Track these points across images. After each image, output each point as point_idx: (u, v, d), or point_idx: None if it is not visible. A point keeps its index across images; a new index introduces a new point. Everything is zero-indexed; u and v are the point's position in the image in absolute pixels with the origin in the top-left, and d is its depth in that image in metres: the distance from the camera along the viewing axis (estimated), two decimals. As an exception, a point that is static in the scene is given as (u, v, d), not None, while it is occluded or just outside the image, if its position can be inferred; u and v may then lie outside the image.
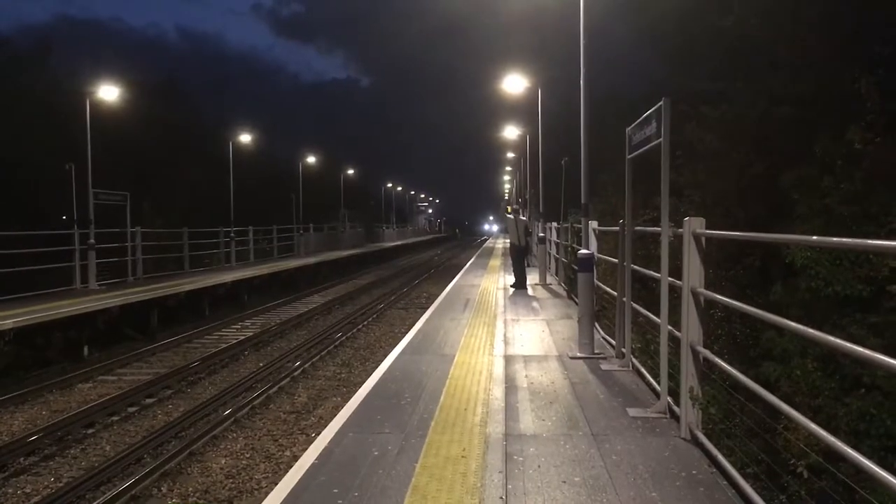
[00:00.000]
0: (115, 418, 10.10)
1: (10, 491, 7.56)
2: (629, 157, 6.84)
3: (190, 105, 47.92)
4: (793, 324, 3.55)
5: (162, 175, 35.73)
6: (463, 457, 4.83)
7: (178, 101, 44.10)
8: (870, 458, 2.95)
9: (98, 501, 6.96)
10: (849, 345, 2.94)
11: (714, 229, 5.05)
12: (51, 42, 38.20)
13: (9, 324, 11.73)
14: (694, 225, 4.92)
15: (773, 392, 4.17)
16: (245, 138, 34.74)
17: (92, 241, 17.96)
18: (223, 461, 8.40)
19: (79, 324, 13.71)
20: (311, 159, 49.16)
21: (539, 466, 4.63)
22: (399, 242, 61.86)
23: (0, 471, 8.00)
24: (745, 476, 4.24)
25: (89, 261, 17.76)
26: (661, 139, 5.46)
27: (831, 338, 3.13)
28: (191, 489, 7.55)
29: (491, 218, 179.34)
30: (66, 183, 18.64)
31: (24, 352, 12.47)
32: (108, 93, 19.78)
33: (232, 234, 27.53)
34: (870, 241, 3.09)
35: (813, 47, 10.49)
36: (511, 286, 16.31)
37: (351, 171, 62.54)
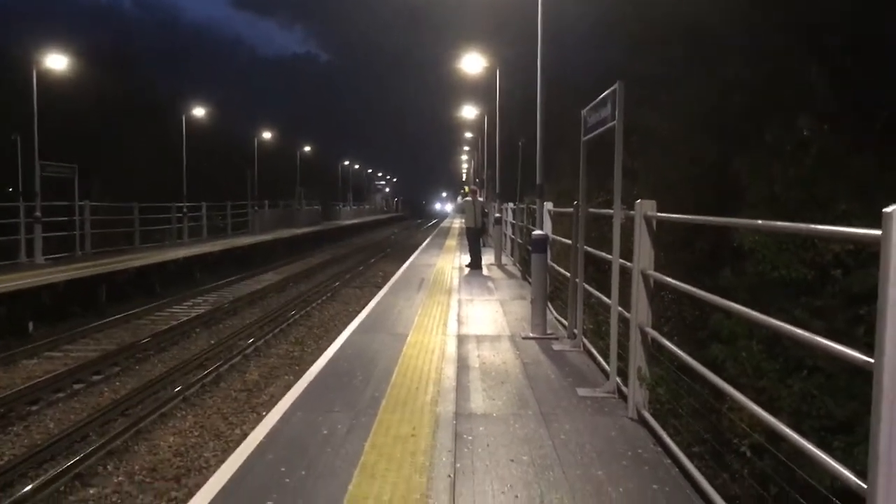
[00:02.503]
0: (60, 395, 9.90)
1: (-52, 469, 7.37)
2: (584, 138, 6.87)
3: (143, 77, 46.79)
4: (738, 306, 3.61)
5: (113, 148, 34.92)
6: (413, 436, 4.83)
7: (130, 73, 43.01)
8: (809, 438, 3.01)
9: (41, 479, 6.83)
10: (789, 327, 2.99)
11: (666, 213, 5.10)
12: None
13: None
14: (645, 207, 4.96)
15: (719, 373, 4.23)
16: (199, 112, 34.12)
17: (38, 213, 17.51)
18: (171, 439, 8.29)
19: (24, 298, 13.38)
20: (267, 135, 48.52)
21: (488, 445, 4.65)
22: (356, 221, 61.63)
23: (-61, 448, 7.80)
24: (689, 455, 4.32)
25: (35, 234, 17.34)
26: (615, 121, 5.49)
27: (774, 321, 3.18)
28: (137, 467, 7.45)
29: (444, 195, 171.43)
30: (12, 154, 18.14)
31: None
32: (56, 62, 19.22)
33: (184, 210, 27.08)
34: (814, 227, 3.14)
35: (766, 35, 10.62)
36: (467, 266, 16.35)
37: (308, 148, 61.91)
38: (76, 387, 10.28)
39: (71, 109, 29.69)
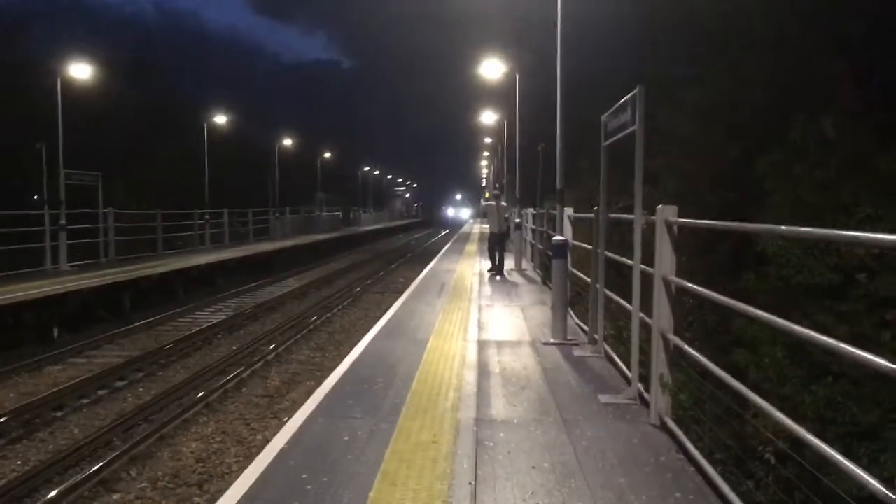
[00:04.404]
0: (84, 401, 9.99)
1: (-24, 474, 7.47)
2: (604, 144, 6.84)
3: (166, 85, 47.37)
4: (761, 313, 3.57)
5: (136, 156, 35.31)
6: (434, 442, 4.82)
7: (153, 81, 43.56)
8: (834, 445, 2.97)
9: (66, 485, 6.90)
10: (813, 333, 2.96)
11: (687, 217, 5.07)
12: (23, 18, 37.56)
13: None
14: (666, 213, 4.93)
15: (742, 380, 4.20)
16: (221, 119, 34.44)
17: (63, 221, 17.71)
18: (194, 445, 8.34)
19: (49, 305, 13.53)
20: (288, 141, 48.83)
21: (509, 452, 4.63)
22: (376, 226, 61.73)
23: (-34, 454, 7.90)
24: (712, 462, 4.28)
25: (60, 242, 17.54)
26: (635, 126, 5.46)
27: (797, 327, 3.15)
28: (160, 473, 7.50)
29: (458, 197, 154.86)
30: (38, 163, 18.39)
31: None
32: (80, 71, 19.49)
33: (206, 217, 27.27)
34: (839, 232, 3.11)
35: (789, 31, 10.53)
36: (489, 271, 16.30)
37: (328, 154, 62.25)
38: (100, 393, 10.38)
39: (94, 117, 30.06)
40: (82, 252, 19.16)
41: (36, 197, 19.96)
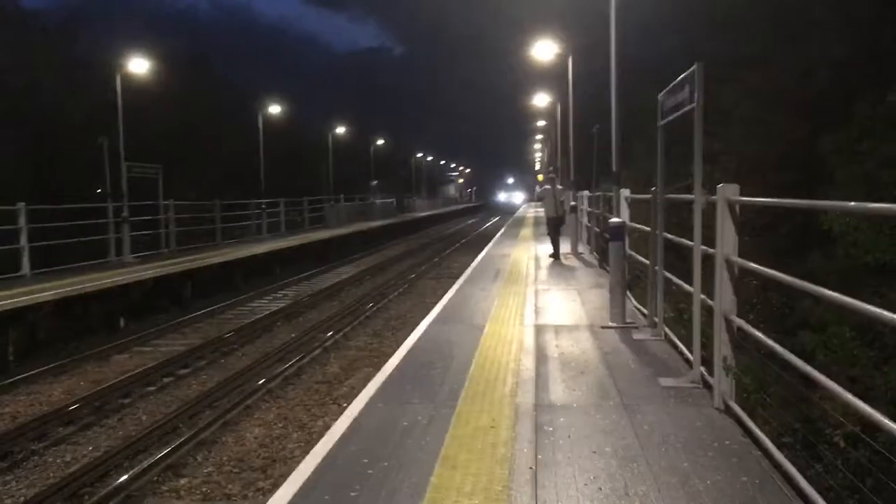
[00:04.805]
0: (151, 388, 10.26)
1: (49, 459, 7.73)
2: (661, 123, 6.71)
3: (220, 77, 48.21)
4: (829, 292, 3.46)
5: (193, 147, 36.01)
6: (493, 427, 4.81)
7: (208, 73, 44.35)
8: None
9: (136, 469, 7.09)
10: (886, 313, 2.85)
11: (748, 196, 4.94)
12: (81, 16, 38.61)
13: (48, 295, 11.95)
14: (728, 192, 4.82)
15: (808, 362, 4.08)
16: (275, 110, 34.85)
17: (125, 213, 18.17)
18: (257, 430, 8.49)
19: (114, 295, 13.91)
20: (341, 130, 49.17)
21: (569, 436, 4.60)
22: (430, 213, 61.86)
23: (40, 440, 8.17)
24: (779, 446, 4.18)
25: (123, 233, 17.99)
26: (694, 104, 5.34)
27: (868, 306, 3.04)
28: (225, 458, 7.66)
29: (510, 181, 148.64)
30: (100, 156, 18.87)
31: (62, 323, 12.70)
32: (139, 66, 19.92)
33: (263, 206, 27.67)
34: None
35: (853, 6, 10.18)
36: (550, 256, 16.16)
37: (381, 142, 62.51)
38: (165, 380, 10.64)
39: (152, 110, 30.72)
40: (144, 243, 19.64)
41: (99, 190, 20.46)
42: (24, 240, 14.33)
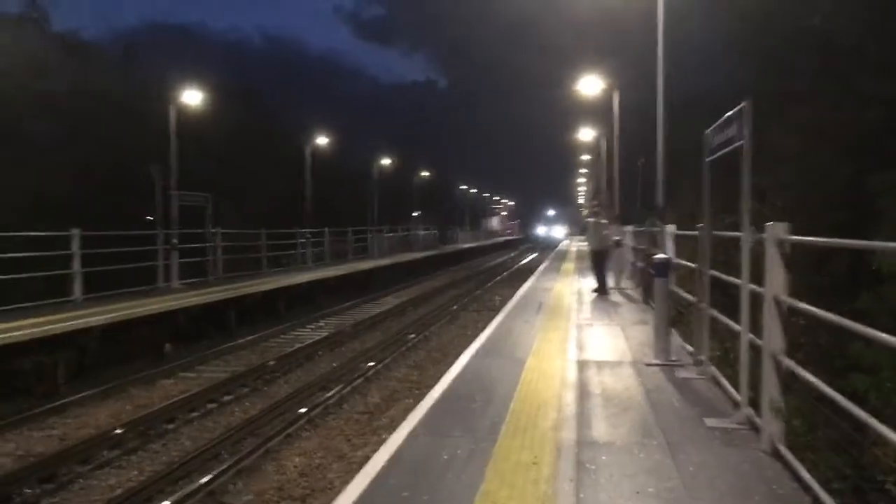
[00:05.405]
0: (195, 414, 10.38)
1: (94, 483, 7.85)
2: (707, 159, 6.67)
3: (269, 107, 49.18)
4: (882, 335, 3.39)
5: (241, 176, 36.68)
6: (534, 463, 4.77)
7: (257, 104, 45.28)
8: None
9: (177, 495, 7.16)
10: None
11: (798, 234, 4.87)
12: (137, 48, 39.84)
13: (98, 320, 12.20)
14: (777, 230, 4.76)
15: (860, 405, 3.98)
16: (322, 141, 35.38)
17: (175, 241, 18.51)
18: (297, 459, 8.52)
19: (161, 321, 14.14)
20: (386, 161, 49.67)
21: (612, 475, 4.54)
22: (472, 245, 61.90)
23: (85, 463, 8.30)
24: (829, 492, 4.07)
25: (172, 260, 18.31)
26: (742, 141, 5.30)
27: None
28: (265, 486, 7.69)
29: (551, 213, 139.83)
30: (150, 184, 19.32)
31: (110, 347, 12.93)
32: (192, 97, 20.42)
33: (308, 236, 27.98)
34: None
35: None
36: (593, 291, 15.98)
37: (426, 173, 62.94)
38: (209, 406, 10.76)
39: (202, 140, 31.40)
40: (192, 270, 19.97)
41: (150, 218, 20.92)
42: (77, 265, 14.67)
